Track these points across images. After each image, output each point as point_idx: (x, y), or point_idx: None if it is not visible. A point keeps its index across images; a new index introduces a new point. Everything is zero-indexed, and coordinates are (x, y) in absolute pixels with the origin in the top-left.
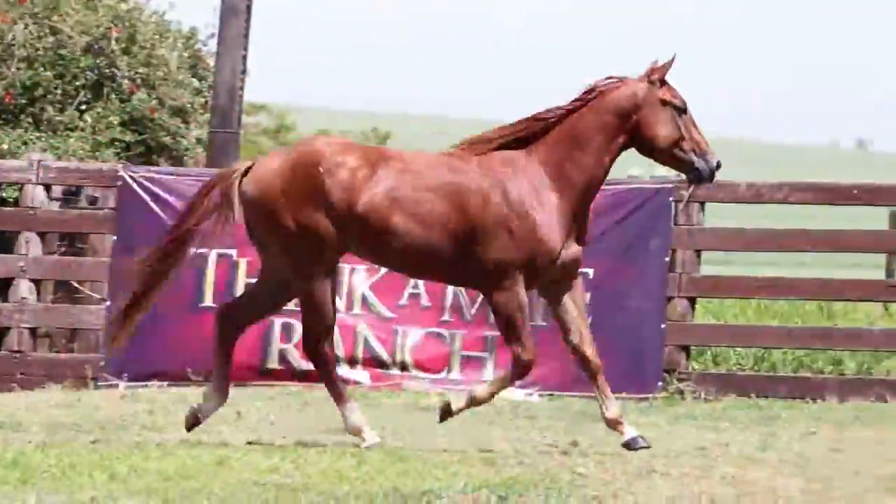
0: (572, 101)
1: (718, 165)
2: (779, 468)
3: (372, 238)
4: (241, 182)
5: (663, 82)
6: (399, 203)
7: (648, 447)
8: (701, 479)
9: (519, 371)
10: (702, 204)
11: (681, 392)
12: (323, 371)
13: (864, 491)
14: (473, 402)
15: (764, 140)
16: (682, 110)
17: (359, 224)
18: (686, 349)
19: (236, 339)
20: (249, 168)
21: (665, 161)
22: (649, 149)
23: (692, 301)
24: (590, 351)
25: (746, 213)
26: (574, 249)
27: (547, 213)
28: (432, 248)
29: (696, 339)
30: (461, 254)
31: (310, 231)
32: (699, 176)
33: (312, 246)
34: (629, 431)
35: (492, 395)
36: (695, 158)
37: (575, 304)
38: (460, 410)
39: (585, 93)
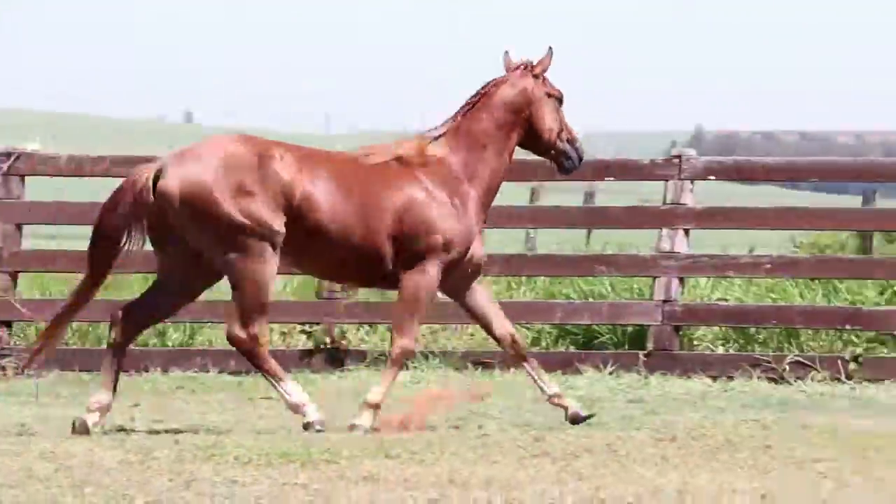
0: (466, 104)
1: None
2: (99, 441)
3: (301, 234)
4: (154, 184)
5: (543, 76)
6: (331, 200)
7: (592, 415)
8: (18, 456)
9: (399, 359)
10: (22, 178)
11: (2, 368)
12: (254, 354)
13: (181, 460)
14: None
15: (92, 114)
16: (561, 101)
17: (292, 219)
18: (8, 324)
19: (133, 339)
20: (159, 170)
21: (543, 151)
22: (535, 141)
23: (14, 275)
24: (518, 336)
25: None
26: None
27: (466, 206)
28: (363, 248)
29: (18, 315)
30: (384, 252)
31: (255, 216)
32: (573, 164)
33: (260, 228)
34: (572, 404)
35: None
36: (569, 148)
37: (486, 296)
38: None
39: (476, 94)
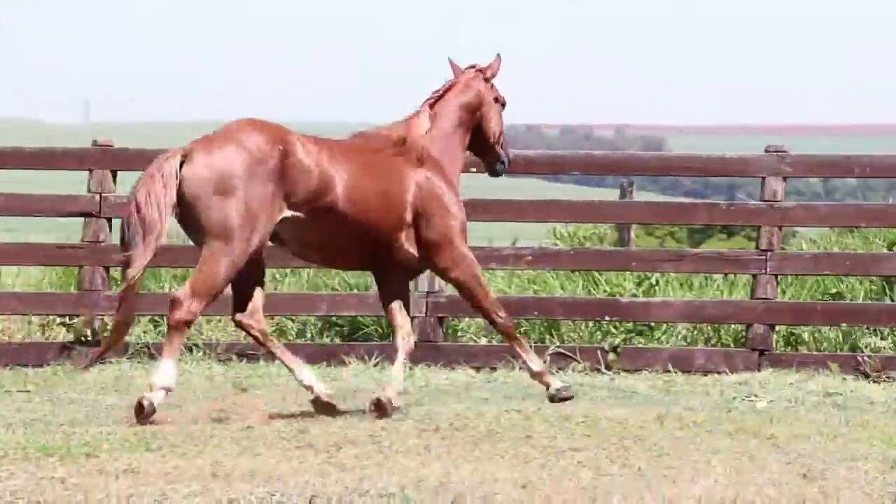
0: (429, 100)
1: None
2: None
3: (322, 217)
4: (180, 168)
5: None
6: (353, 184)
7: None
8: None
9: (511, 331)
10: None
11: None
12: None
13: None
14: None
15: None
16: (504, 106)
17: (313, 202)
18: None
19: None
20: (184, 156)
21: (484, 153)
22: (481, 142)
23: None
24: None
25: None
26: None
27: (457, 193)
28: (383, 230)
29: None
30: (401, 236)
31: (257, 218)
32: (503, 169)
33: (255, 232)
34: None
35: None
36: (503, 153)
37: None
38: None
39: (437, 92)
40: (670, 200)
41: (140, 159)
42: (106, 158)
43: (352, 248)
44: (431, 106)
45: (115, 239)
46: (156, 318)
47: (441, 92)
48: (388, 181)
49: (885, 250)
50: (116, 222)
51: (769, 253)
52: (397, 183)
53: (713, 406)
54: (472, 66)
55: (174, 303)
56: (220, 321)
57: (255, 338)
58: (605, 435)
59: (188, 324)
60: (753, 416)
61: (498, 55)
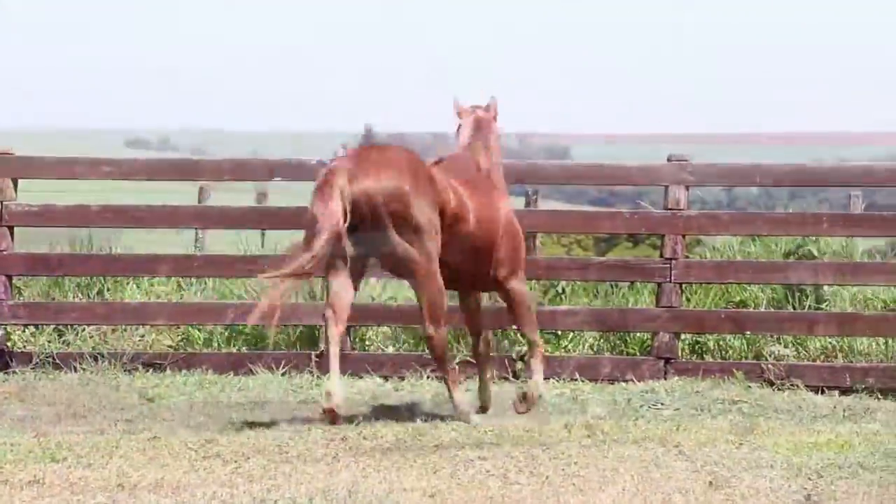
0: (475, 130)
1: None
2: None
3: (448, 239)
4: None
5: None
6: (476, 209)
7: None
8: None
9: (542, 354)
10: None
11: None
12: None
13: None
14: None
15: None
16: None
17: (452, 226)
18: None
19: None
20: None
21: None
22: None
23: None
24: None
25: None
26: None
27: None
28: (489, 253)
29: None
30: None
31: (434, 221)
32: None
33: (437, 233)
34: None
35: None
36: None
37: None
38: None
39: (475, 128)
40: (573, 209)
41: (42, 167)
42: (7, 166)
43: (465, 271)
44: (470, 146)
45: (17, 247)
46: (60, 327)
47: (473, 132)
48: (493, 211)
49: (787, 259)
50: (18, 230)
51: (673, 261)
52: (497, 213)
53: (620, 414)
54: (478, 107)
55: (430, 340)
56: (124, 330)
57: (331, 338)
58: (512, 444)
59: (446, 349)
60: (660, 424)
61: (493, 97)
